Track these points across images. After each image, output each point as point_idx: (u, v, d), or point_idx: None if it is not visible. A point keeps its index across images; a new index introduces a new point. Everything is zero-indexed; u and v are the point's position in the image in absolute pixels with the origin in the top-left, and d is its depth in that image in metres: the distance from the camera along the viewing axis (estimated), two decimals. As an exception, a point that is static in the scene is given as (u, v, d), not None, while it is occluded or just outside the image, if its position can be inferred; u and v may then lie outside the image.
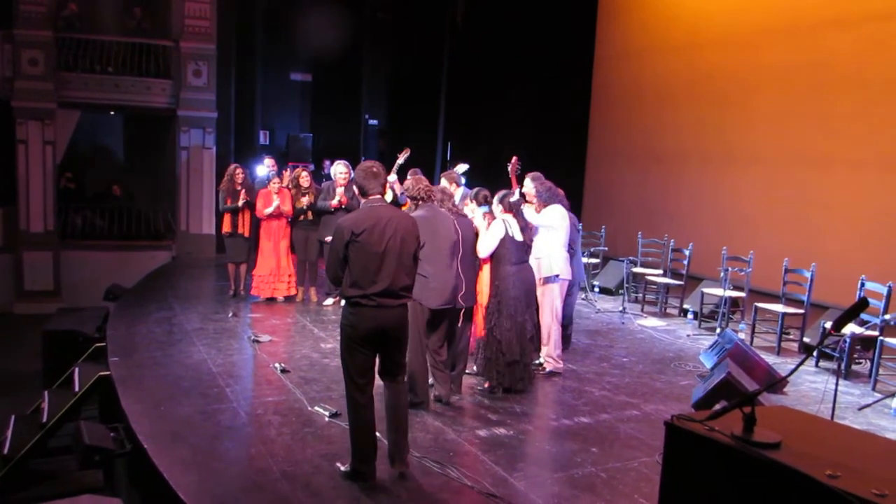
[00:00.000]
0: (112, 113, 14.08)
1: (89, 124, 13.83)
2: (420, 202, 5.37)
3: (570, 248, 6.75)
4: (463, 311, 5.91)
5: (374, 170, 4.32)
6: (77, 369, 6.36)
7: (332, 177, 8.61)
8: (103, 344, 6.87)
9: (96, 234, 12.81)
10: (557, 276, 6.36)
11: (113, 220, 13.02)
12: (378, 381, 4.42)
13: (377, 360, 4.37)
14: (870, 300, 6.82)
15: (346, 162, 8.65)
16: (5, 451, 5.56)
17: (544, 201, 6.45)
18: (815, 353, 7.31)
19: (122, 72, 12.69)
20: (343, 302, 4.32)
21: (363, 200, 4.34)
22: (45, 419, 5.73)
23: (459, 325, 5.96)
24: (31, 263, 12.04)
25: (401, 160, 8.21)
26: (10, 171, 12.09)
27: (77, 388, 5.95)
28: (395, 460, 4.38)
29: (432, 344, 5.51)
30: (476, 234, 5.96)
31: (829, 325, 6.51)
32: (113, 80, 12.60)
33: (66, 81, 12.22)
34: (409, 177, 8.05)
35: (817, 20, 8.96)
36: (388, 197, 8.30)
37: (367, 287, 4.12)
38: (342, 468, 4.39)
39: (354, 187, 4.46)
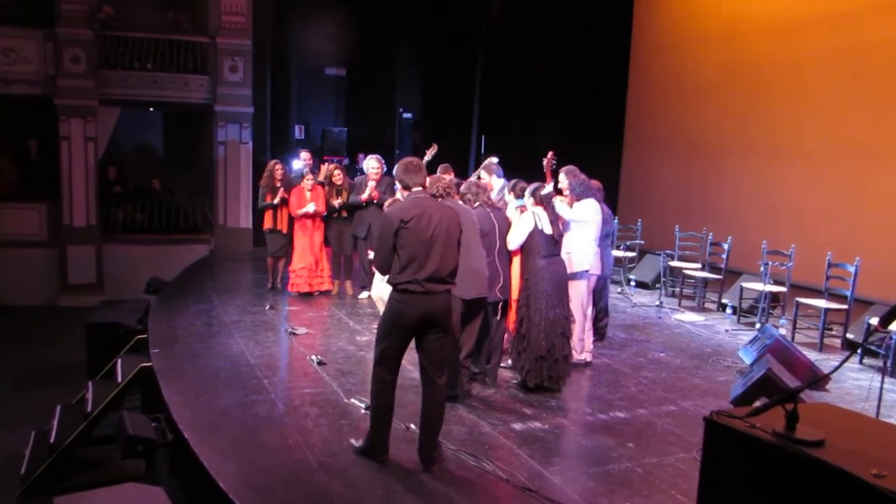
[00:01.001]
0: (151, 109, 14.30)
1: (131, 120, 14.08)
2: (440, 199, 5.40)
3: (602, 241, 6.73)
4: (501, 304, 5.92)
5: (415, 164, 4.52)
6: (119, 361, 6.50)
7: (365, 171, 8.66)
8: (145, 336, 6.99)
9: (137, 228, 13.05)
10: (587, 271, 6.33)
11: (153, 214, 13.24)
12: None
13: (418, 363, 4.48)
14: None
15: (378, 156, 8.69)
16: (52, 440, 5.71)
17: (577, 195, 6.42)
18: (859, 350, 7.15)
19: (160, 68, 12.86)
20: (372, 294, 4.39)
21: (406, 193, 4.48)
22: (89, 409, 5.86)
23: (498, 317, 5.97)
24: (75, 257, 12.30)
25: (428, 156, 8.26)
26: (54, 167, 12.35)
27: (119, 379, 6.07)
28: (425, 459, 4.44)
29: (463, 339, 5.51)
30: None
31: (874, 321, 6.40)
32: (152, 76, 12.79)
33: (106, 79, 12.44)
34: (438, 171, 8.11)
35: (861, 5, 8.73)
36: None
37: (417, 272, 4.24)
38: (355, 444, 4.55)
39: (397, 182, 4.60)
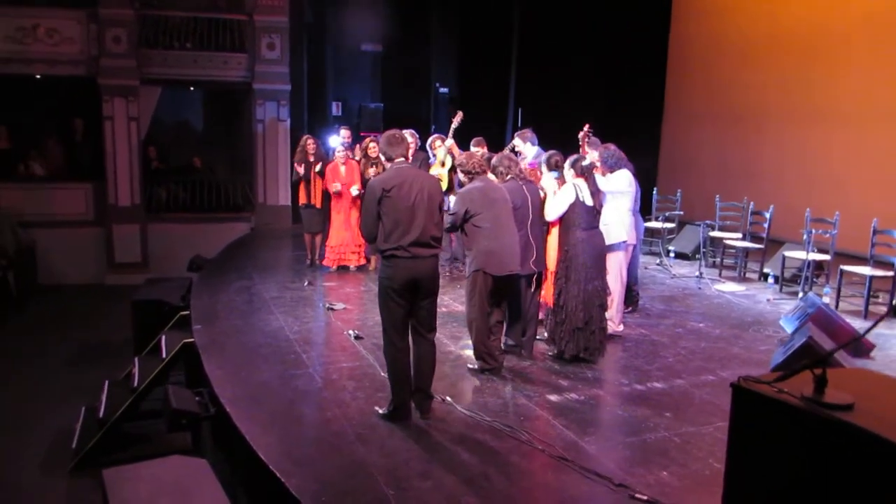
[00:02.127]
0: (192, 88, 14.48)
1: (172, 99, 14.27)
2: (474, 176, 5.42)
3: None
4: (534, 276, 5.92)
5: (397, 136, 4.74)
6: (164, 337, 6.66)
7: None
8: (187, 312, 7.16)
9: (179, 207, 13.28)
10: (625, 241, 6.29)
11: (195, 192, 13.45)
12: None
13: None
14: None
15: (413, 131, 8.68)
16: (100, 414, 5.90)
17: (610, 167, 6.36)
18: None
19: (199, 47, 12.97)
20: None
21: (389, 164, 4.68)
22: (135, 384, 6.04)
23: (532, 290, 5.97)
24: (120, 236, 12.60)
25: (455, 124, 8.34)
26: (99, 147, 12.63)
27: (164, 355, 6.23)
28: (419, 406, 4.73)
29: (494, 315, 5.54)
30: (543, 199, 5.92)
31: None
32: (191, 55, 12.92)
33: (147, 58, 12.61)
34: (472, 146, 8.10)
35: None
36: (448, 161, 8.37)
37: (401, 238, 4.48)
38: (381, 411, 4.73)
39: (381, 155, 4.80)
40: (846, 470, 1.85)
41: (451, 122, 8.54)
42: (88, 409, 6.41)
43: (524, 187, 5.76)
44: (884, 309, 7.64)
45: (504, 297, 5.59)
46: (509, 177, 5.75)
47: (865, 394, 2.00)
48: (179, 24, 12.97)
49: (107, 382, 6.57)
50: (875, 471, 1.79)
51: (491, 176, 5.73)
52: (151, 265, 12.57)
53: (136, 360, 6.61)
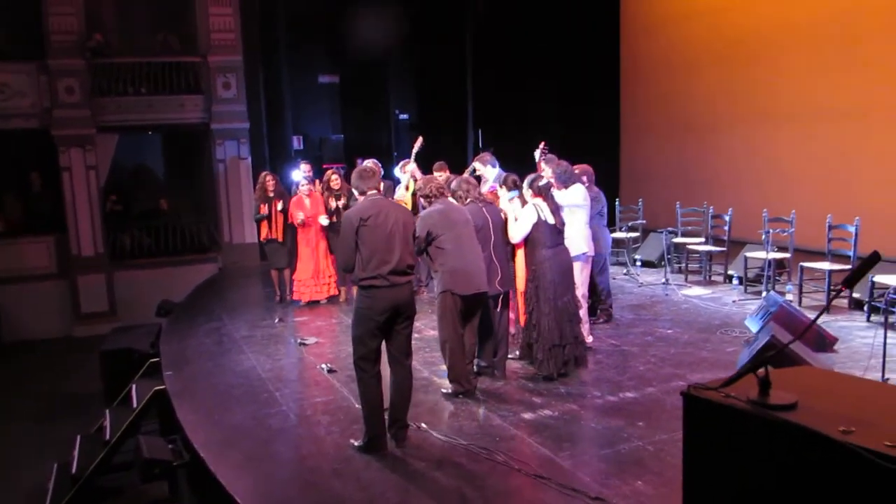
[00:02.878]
0: (150, 133, 14.42)
1: (131, 145, 14.19)
2: (433, 199, 5.49)
3: (598, 221, 6.82)
4: (500, 296, 5.97)
5: (367, 170, 4.88)
6: (134, 386, 6.60)
7: None
8: (157, 359, 7.09)
9: (145, 253, 13.16)
10: (585, 253, 6.39)
11: (159, 237, 13.35)
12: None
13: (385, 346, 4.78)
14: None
15: (375, 161, 8.72)
16: (73, 470, 5.82)
17: (563, 182, 6.46)
18: (866, 308, 7.14)
19: (154, 91, 12.96)
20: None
21: (362, 197, 4.79)
22: (108, 437, 5.96)
23: (499, 310, 6.02)
24: (86, 287, 12.44)
25: (416, 148, 8.45)
26: (58, 199, 12.50)
27: (135, 405, 6.17)
28: (395, 435, 4.76)
29: (465, 338, 5.58)
30: (505, 220, 5.99)
31: (879, 279, 6.36)
32: (147, 100, 12.89)
33: (102, 106, 12.55)
34: (434, 171, 8.19)
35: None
36: (412, 185, 8.45)
37: (380, 267, 4.54)
38: (356, 443, 4.72)
39: (354, 190, 4.92)
40: (794, 469, 1.91)
41: (412, 148, 8.63)
42: (61, 465, 6.31)
43: (484, 209, 5.84)
44: (845, 302, 7.80)
45: (474, 317, 5.64)
46: (469, 200, 5.83)
47: (809, 391, 2.07)
48: (133, 70, 12.95)
49: (79, 437, 6.49)
50: (820, 467, 1.85)
51: (452, 200, 5.79)
52: (120, 313, 12.42)
53: (108, 411, 6.54)
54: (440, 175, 7.99)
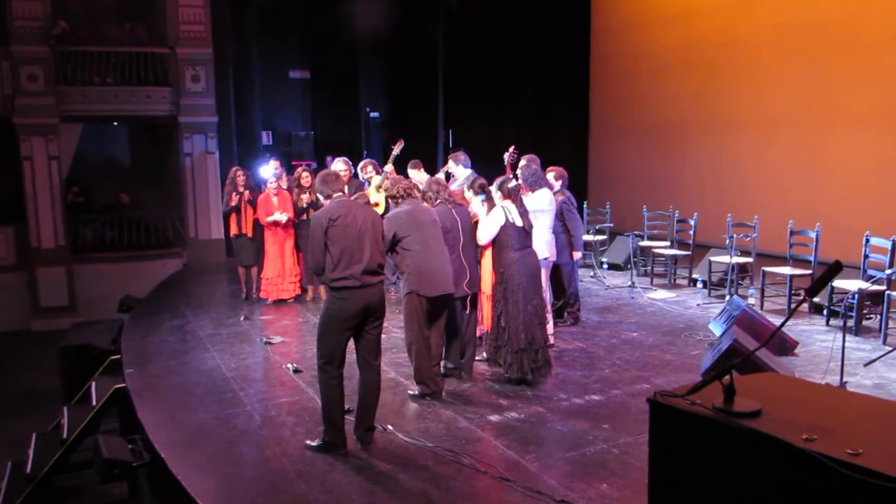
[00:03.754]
0: (115, 124, 14.17)
1: (95, 136, 13.93)
2: (400, 200, 5.47)
3: (564, 227, 6.91)
4: (468, 298, 5.97)
5: (331, 175, 4.88)
6: (94, 383, 6.47)
7: None
8: (118, 356, 6.96)
9: (107, 246, 12.93)
10: (546, 258, 6.41)
11: (122, 230, 13.13)
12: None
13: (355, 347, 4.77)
14: (873, 256, 6.84)
15: (345, 159, 8.69)
16: (28, 469, 5.68)
17: (530, 186, 6.47)
18: (825, 312, 7.29)
19: (121, 82, 12.75)
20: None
21: (327, 201, 4.76)
22: (65, 435, 5.83)
23: (466, 312, 6.02)
24: (45, 280, 12.19)
25: (396, 151, 8.34)
26: (18, 189, 12.21)
27: (94, 402, 6.05)
28: (361, 437, 4.75)
29: (432, 339, 5.57)
30: (475, 222, 5.99)
31: (838, 283, 6.48)
32: (113, 91, 12.67)
33: (66, 95, 12.30)
34: (408, 167, 8.16)
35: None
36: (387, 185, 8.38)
37: (351, 267, 4.52)
38: (312, 444, 4.70)
39: (319, 195, 4.91)
40: (759, 476, 1.93)
41: (391, 150, 8.53)
42: (15, 464, 6.17)
43: (454, 210, 5.82)
44: (803, 306, 7.95)
45: (440, 318, 5.62)
46: (438, 201, 5.81)
47: (772, 399, 2.10)
48: (99, 59, 12.72)
49: (34, 435, 6.33)
50: (784, 474, 1.88)
51: (420, 200, 5.77)
52: (80, 308, 12.19)
53: (66, 409, 6.40)
54: (415, 173, 7.96)
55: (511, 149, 7.02)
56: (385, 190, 5.66)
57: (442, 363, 5.91)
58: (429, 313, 5.45)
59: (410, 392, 5.66)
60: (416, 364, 5.52)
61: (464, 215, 5.90)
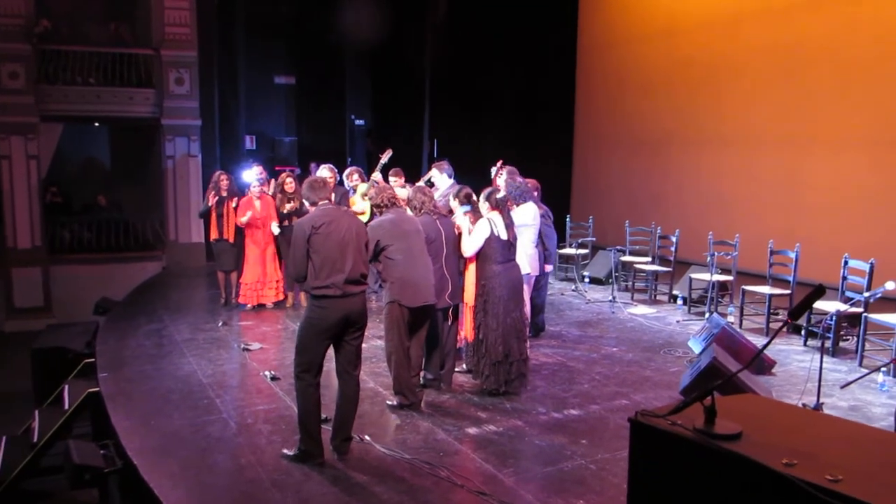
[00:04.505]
0: (97, 124, 14.04)
1: (77, 135, 13.79)
2: (384, 209, 5.45)
3: (540, 239, 6.90)
4: (450, 309, 5.95)
5: (318, 181, 4.85)
6: (67, 387, 6.36)
7: None
8: (93, 360, 6.86)
9: (85, 248, 12.77)
10: (528, 273, 6.42)
11: (101, 232, 12.98)
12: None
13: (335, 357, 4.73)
14: (851, 278, 6.90)
15: (330, 166, 8.64)
16: (-3, 472, 5.57)
17: (515, 199, 6.48)
18: (803, 332, 7.34)
19: (103, 83, 12.64)
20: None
21: (313, 208, 4.72)
22: (35, 439, 5.73)
23: (448, 323, 6.00)
24: (21, 280, 12.01)
25: (384, 160, 8.30)
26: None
27: (67, 406, 5.94)
28: (338, 447, 4.69)
29: (412, 350, 5.55)
30: (459, 234, 5.98)
31: (825, 305, 6.52)
32: (95, 91, 12.56)
33: (47, 94, 12.18)
34: (389, 176, 8.14)
35: (791, 1, 8.98)
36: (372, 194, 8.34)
37: (334, 276, 4.48)
38: (289, 453, 4.65)
39: (305, 201, 4.88)
40: (738, 499, 1.93)
41: (379, 158, 8.50)
42: (-16, 468, 6.03)
43: (437, 221, 5.81)
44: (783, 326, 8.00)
45: (421, 329, 5.60)
46: (423, 211, 5.80)
47: (753, 421, 2.09)
48: (82, 59, 12.62)
49: (4, 438, 6.22)
50: (764, 498, 1.87)
51: (405, 209, 5.76)
52: (56, 310, 12.03)
53: (37, 412, 6.29)
54: (395, 181, 7.94)
55: (499, 163, 7.03)
56: (370, 199, 5.62)
57: (421, 374, 5.88)
58: (410, 324, 5.42)
59: (389, 402, 5.62)
60: (395, 374, 5.49)
61: (447, 226, 5.88)
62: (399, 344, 5.39)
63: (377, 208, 5.53)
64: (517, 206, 6.46)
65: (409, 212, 5.77)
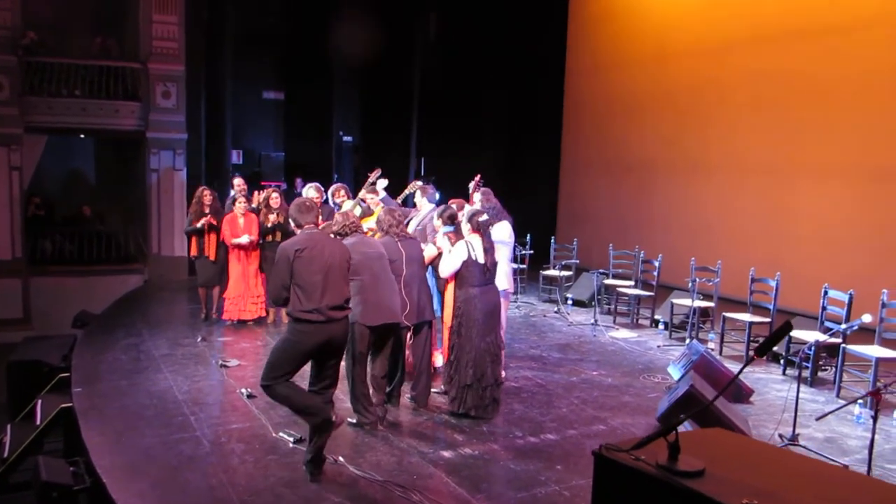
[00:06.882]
0: (82, 136, 13.96)
1: (61, 147, 13.69)
2: (348, 234, 5.48)
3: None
4: (412, 329, 5.95)
5: (307, 205, 4.83)
6: (40, 401, 6.28)
7: None
8: (68, 374, 6.77)
9: (66, 259, 12.65)
10: (506, 290, 6.45)
11: (83, 244, 12.87)
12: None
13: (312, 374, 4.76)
14: (831, 308, 6.94)
15: (318, 185, 8.63)
16: (-36, 488, 5.48)
17: (491, 218, 6.50)
18: (782, 361, 7.36)
19: (89, 95, 12.58)
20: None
21: (299, 231, 4.74)
22: (6, 454, 5.64)
23: (412, 342, 6.01)
24: (-1, 291, 11.88)
25: (372, 179, 8.29)
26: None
27: (39, 421, 5.86)
28: (312, 470, 4.65)
29: (376, 368, 5.58)
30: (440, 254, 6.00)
31: (810, 336, 6.56)
32: (80, 103, 12.49)
33: (31, 106, 12.10)
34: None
35: (779, 32, 9.12)
36: (357, 212, 8.35)
37: (318, 301, 4.46)
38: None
39: (291, 221, 4.86)
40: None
41: (367, 177, 8.48)
42: (-48, 483, 5.93)
43: (399, 244, 5.85)
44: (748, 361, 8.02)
45: (385, 348, 5.62)
46: (390, 233, 5.85)
47: (717, 458, 2.08)
48: (67, 71, 12.57)
49: (-26, 453, 6.10)
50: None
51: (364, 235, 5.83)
52: (35, 322, 11.87)
53: (9, 426, 6.20)
54: (372, 198, 7.89)
55: (477, 177, 7.07)
56: (335, 225, 5.62)
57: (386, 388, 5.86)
58: (373, 343, 5.46)
59: (349, 420, 5.55)
60: (353, 392, 5.51)
61: (410, 248, 5.91)
62: (359, 364, 5.45)
63: (340, 236, 5.54)
64: (492, 225, 6.48)
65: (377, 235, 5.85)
